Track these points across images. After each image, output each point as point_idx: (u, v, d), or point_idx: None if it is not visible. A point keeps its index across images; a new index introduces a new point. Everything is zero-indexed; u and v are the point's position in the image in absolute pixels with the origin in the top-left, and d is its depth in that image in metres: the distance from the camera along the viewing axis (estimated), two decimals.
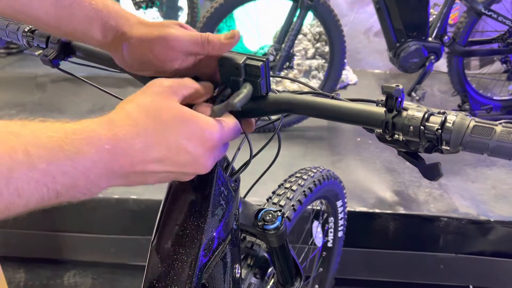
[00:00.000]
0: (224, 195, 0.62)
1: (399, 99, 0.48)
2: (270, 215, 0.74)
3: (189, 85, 0.51)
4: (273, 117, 0.75)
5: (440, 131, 0.46)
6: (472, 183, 1.93)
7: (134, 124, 0.44)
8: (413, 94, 2.23)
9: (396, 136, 0.50)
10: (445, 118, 0.46)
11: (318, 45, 2.88)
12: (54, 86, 2.79)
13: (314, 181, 1.00)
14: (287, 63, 2.27)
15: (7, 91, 2.81)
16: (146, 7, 2.95)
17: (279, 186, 0.98)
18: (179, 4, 3.30)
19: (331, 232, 1.28)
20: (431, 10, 2.21)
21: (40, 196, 0.37)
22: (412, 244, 1.77)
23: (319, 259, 1.30)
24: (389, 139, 0.51)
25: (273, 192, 0.96)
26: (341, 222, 1.28)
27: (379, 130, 0.52)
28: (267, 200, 0.94)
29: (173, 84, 0.49)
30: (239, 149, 0.68)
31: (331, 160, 2.12)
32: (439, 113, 0.48)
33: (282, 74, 2.28)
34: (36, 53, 0.64)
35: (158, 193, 1.84)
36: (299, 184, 0.96)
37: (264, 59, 0.55)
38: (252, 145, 0.61)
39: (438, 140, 0.46)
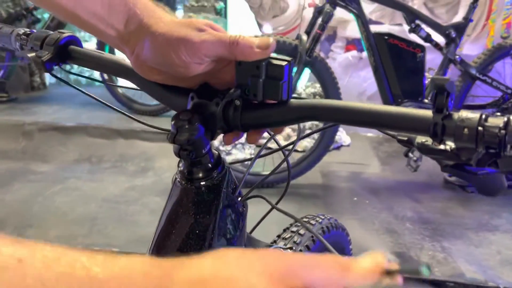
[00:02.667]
0: (231, 219, 0.53)
1: (450, 98, 0.41)
2: None
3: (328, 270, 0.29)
4: (281, 143, 0.68)
5: (503, 132, 0.39)
6: (476, 248, 1.83)
7: None
8: (410, 155, 2.19)
9: (443, 145, 0.43)
10: (509, 118, 0.39)
11: None
12: (41, 134, 2.70)
13: (322, 228, 0.90)
14: None
15: None
16: None
17: (284, 230, 0.88)
18: None
19: None
20: (426, 73, 2.23)
21: None
22: None
23: None
24: (435, 147, 0.43)
25: (278, 236, 0.86)
26: None
27: (423, 140, 0.44)
28: (272, 243, 0.84)
29: (298, 263, 0.28)
30: (245, 174, 0.61)
31: None
32: (496, 116, 0.41)
33: None
34: (28, 55, 0.58)
35: (144, 247, 1.70)
36: (307, 229, 0.87)
37: (289, 59, 0.49)
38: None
39: (501, 144, 0.39)
